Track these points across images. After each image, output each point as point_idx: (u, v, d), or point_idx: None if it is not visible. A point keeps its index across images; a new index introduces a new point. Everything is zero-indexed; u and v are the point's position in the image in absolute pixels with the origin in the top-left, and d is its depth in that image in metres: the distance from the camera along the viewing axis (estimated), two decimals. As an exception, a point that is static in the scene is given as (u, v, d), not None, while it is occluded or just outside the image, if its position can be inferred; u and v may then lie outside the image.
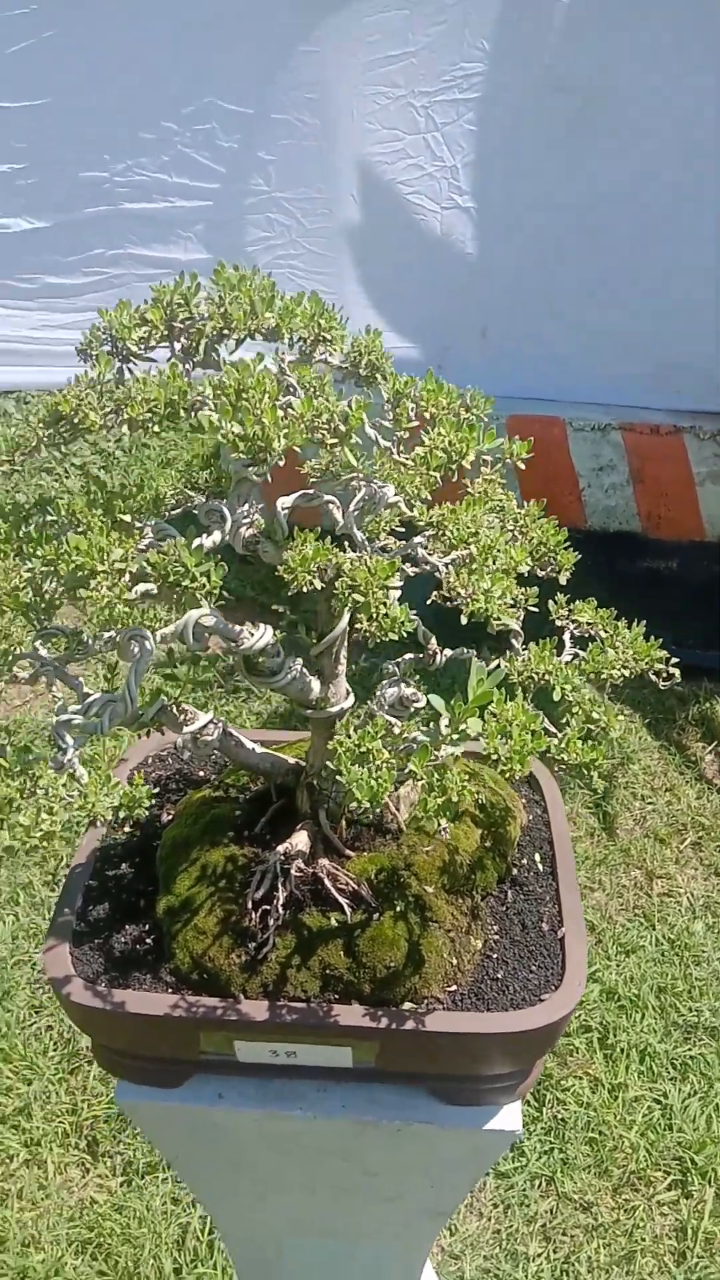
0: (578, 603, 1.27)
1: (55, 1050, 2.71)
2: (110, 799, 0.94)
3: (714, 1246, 2.41)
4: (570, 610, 1.26)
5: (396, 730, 1.10)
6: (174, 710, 1.22)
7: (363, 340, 1.03)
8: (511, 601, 1.00)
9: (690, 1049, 2.78)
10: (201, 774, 1.50)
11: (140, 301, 1.06)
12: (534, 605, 1.18)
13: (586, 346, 3.52)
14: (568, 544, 1.17)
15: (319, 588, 0.96)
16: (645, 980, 2.92)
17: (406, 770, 0.98)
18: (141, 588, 0.96)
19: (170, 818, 1.41)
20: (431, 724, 1.01)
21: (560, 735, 1.06)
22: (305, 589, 0.96)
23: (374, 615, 0.93)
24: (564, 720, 1.08)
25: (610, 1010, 2.83)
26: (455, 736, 0.99)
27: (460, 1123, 1.28)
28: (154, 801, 1.46)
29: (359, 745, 1.00)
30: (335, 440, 0.95)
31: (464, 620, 1.00)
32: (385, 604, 0.93)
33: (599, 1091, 2.68)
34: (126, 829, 1.42)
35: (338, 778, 0.97)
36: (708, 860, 3.27)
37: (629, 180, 3.36)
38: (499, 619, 0.98)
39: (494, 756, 0.99)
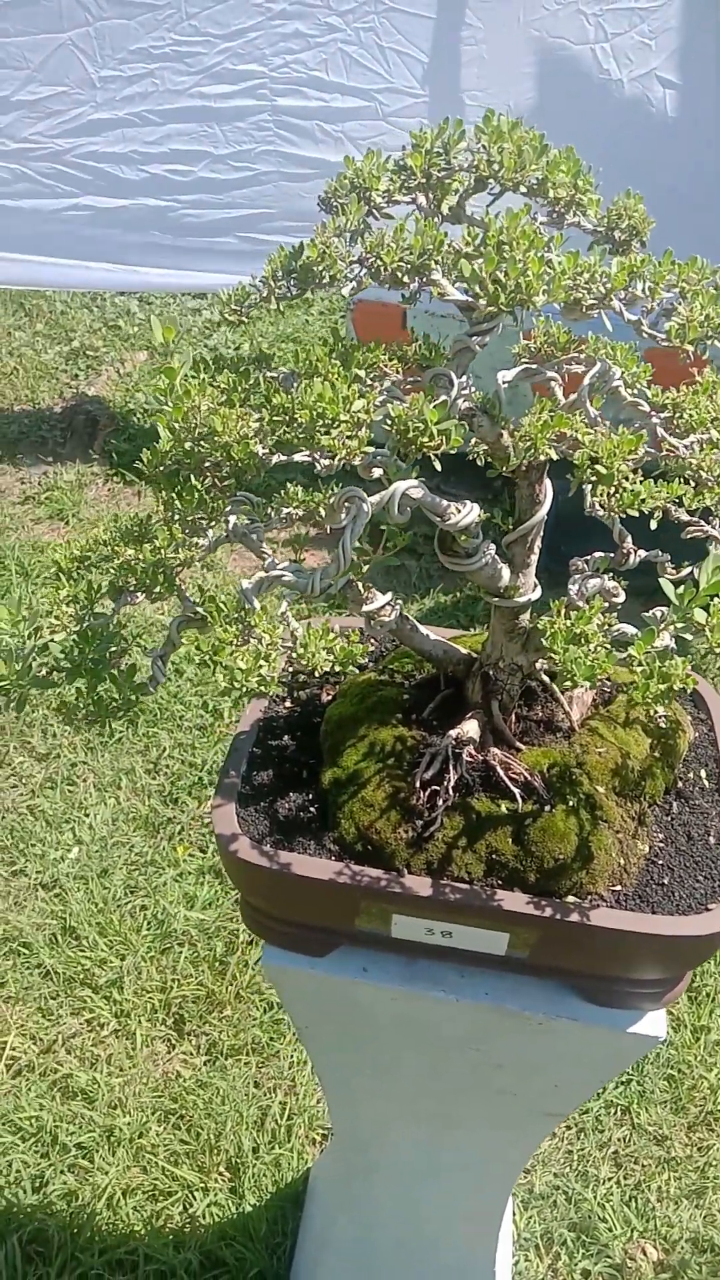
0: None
1: (148, 930, 2.78)
2: (328, 652, 0.93)
3: (785, 1192, 2.41)
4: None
5: (604, 615, 1.07)
6: (359, 587, 1.21)
7: (623, 202, 0.98)
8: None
9: (777, 998, 2.76)
10: (363, 661, 1.49)
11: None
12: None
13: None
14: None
15: (554, 459, 0.93)
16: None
17: (626, 655, 0.95)
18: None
19: (331, 698, 1.41)
20: (655, 610, 0.99)
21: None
22: (543, 458, 0.92)
23: (617, 489, 0.90)
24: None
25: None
26: (680, 623, 0.96)
27: (603, 1022, 1.27)
28: (315, 680, 1.46)
29: (574, 626, 0.97)
30: (594, 302, 0.91)
31: (708, 504, 0.97)
32: (628, 477, 0.90)
33: (681, 1031, 2.68)
34: (288, 703, 1.42)
35: (531, 685, 0.94)
36: None
37: None
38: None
39: (718, 650, 0.95)
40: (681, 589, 0.96)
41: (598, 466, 0.90)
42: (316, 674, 0.91)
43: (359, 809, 1.22)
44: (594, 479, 0.91)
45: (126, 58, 3.49)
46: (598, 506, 0.94)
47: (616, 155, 3.45)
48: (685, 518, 1.09)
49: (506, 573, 1.22)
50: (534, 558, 1.23)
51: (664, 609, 0.99)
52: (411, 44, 3.50)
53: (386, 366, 1.10)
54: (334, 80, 3.53)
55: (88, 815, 3.06)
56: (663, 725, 1.32)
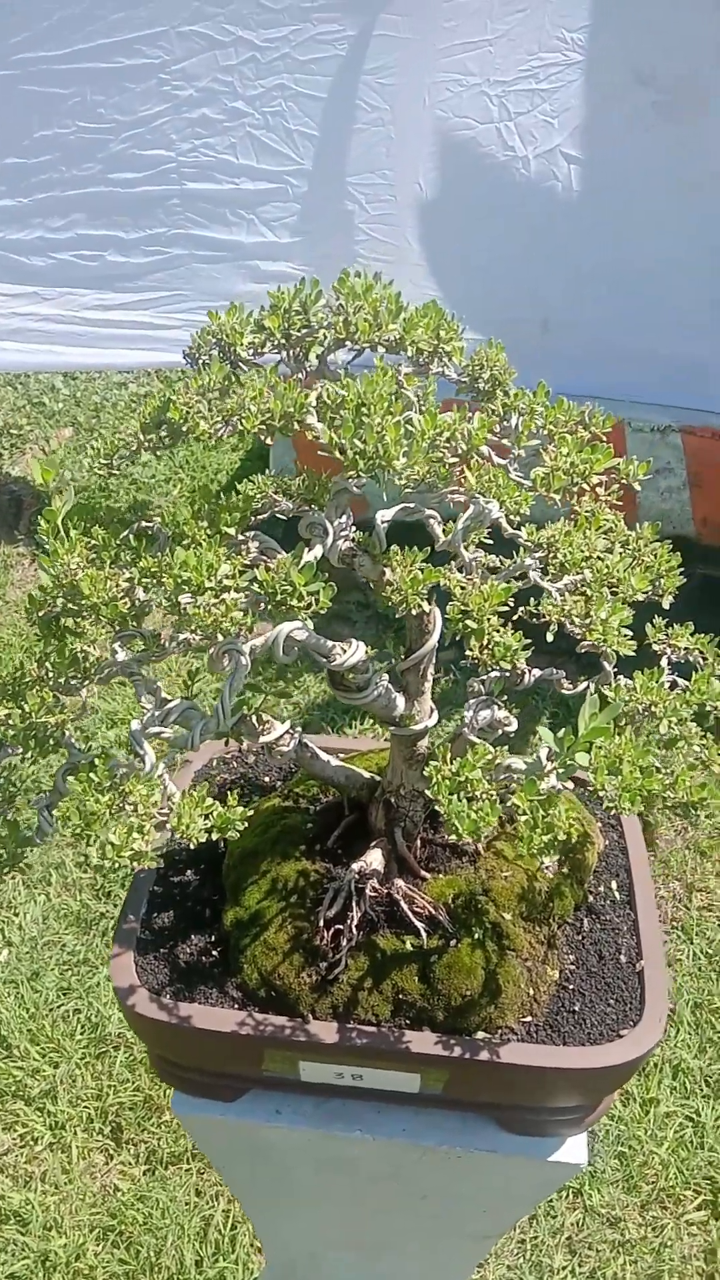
0: (675, 627, 1.23)
1: (82, 1034, 2.70)
2: (205, 819, 0.90)
3: (742, 1270, 2.38)
4: (668, 634, 1.22)
5: (490, 757, 1.06)
6: (253, 720, 1.19)
7: (484, 352, 0.98)
8: (630, 633, 0.96)
9: (723, 1067, 2.75)
10: (267, 779, 1.47)
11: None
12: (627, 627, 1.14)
13: (649, 346, 3.45)
14: (681, 569, 1.13)
15: (426, 610, 0.92)
16: (681, 995, 2.88)
17: (509, 803, 0.94)
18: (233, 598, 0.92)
19: (237, 824, 1.38)
20: (535, 755, 0.97)
21: (668, 771, 1.02)
22: (414, 611, 0.91)
23: (487, 643, 0.89)
24: (671, 756, 1.04)
25: (643, 1024, 2.79)
26: (560, 770, 0.95)
27: (523, 1152, 1.25)
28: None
29: (459, 774, 0.96)
30: (456, 459, 0.91)
31: (581, 650, 0.96)
32: (499, 631, 0.89)
33: (630, 1105, 2.65)
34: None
35: (436, 809, 0.93)
36: (746, 875, 3.22)
37: (710, 177, 3.27)
38: (617, 650, 0.94)
39: (601, 793, 0.95)
40: (561, 733, 0.95)
41: (468, 621, 0.89)
42: (193, 845, 0.89)
43: (261, 953, 1.19)
44: (467, 632, 0.90)
45: (30, 146, 3.49)
46: (474, 656, 0.93)
47: (523, 228, 3.52)
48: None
49: (401, 701, 1.21)
50: (428, 685, 1.22)
51: (550, 749, 0.98)
52: (319, 127, 3.55)
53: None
54: (243, 164, 3.56)
55: (17, 915, 2.98)
56: (572, 840, 1.31)
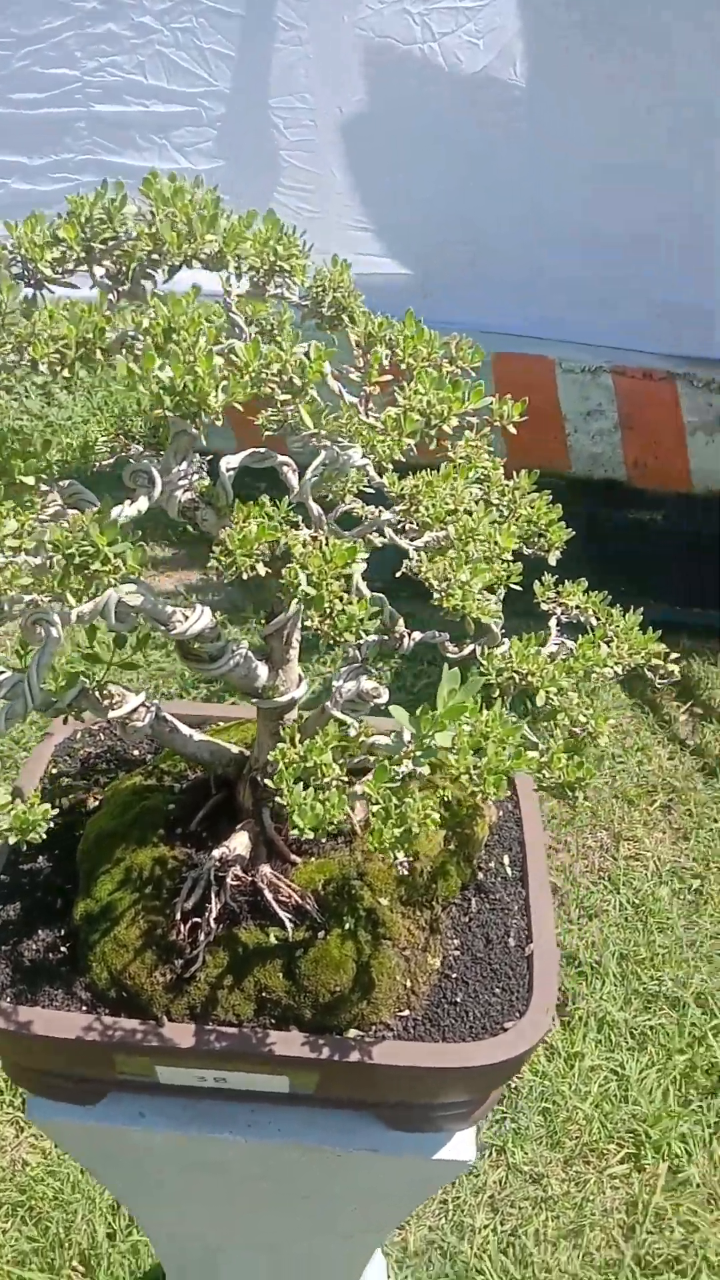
0: (566, 584, 1.12)
1: (-8, 1004, 2.59)
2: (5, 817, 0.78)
3: (664, 1222, 2.36)
4: (558, 593, 1.11)
5: (353, 732, 0.94)
6: (96, 694, 1.06)
7: (328, 273, 0.84)
8: (494, 598, 0.84)
9: (650, 1019, 2.72)
10: (137, 752, 1.35)
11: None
12: (517, 583, 1.02)
13: (581, 284, 3.30)
14: (562, 519, 1.01)
15: (263, 575, 0.80)
16: (607, 946, 2.84)
17: (360, 791, 0.83)
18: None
19: (97, 804, 1.26)
20: (394, 734, 0.86)
21: (542, 748, 0.91)
22: (246, 575, 0.79)
23: (328, 612, 0.77)
24: (547, 728, 0.93)
25: (570, 976, 2.75)
26: (419, 753, 0.84)
27: (407, 1150, 1.16)
28: (82, 783, 1.31)
29: (305, 758, 0.84)
30: (289, 396, 0.78)
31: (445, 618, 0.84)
32: (341, 598, 0.77)
33: (554, 1060, 2.61)
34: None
35: (277, 799, 0.81)
36: (676, 824, 3.18)
37: (638, 107, 3.10)
38: (477, 618, 0.82)
39: (464, 776, 0.84)
40: (418, 712, 0.84)
41: (306, 588, 0.77)
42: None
43: (111, 950, 1.07)
44: (305, 599, 0.78)
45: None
46: (314, 628, 0.81)
47: (450, 155, 3.34)
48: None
49: (264, 671, 1.08)
50: (293, 651, 1.10)
51: (409, 729, 0.87)
52: (232, 44, 3.32)
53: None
54: (153, 84, 3.33)
55: None
56: (460, 812, 1.21)
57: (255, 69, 3.32)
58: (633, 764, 3.27)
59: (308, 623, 0.79)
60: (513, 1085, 2.54)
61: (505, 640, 1.02)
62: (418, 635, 1.12)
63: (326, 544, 0.79)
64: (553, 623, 1.10)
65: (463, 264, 3.35)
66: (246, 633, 3.19)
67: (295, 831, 0.81)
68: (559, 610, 1.10)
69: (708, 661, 3.58)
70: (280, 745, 0.87)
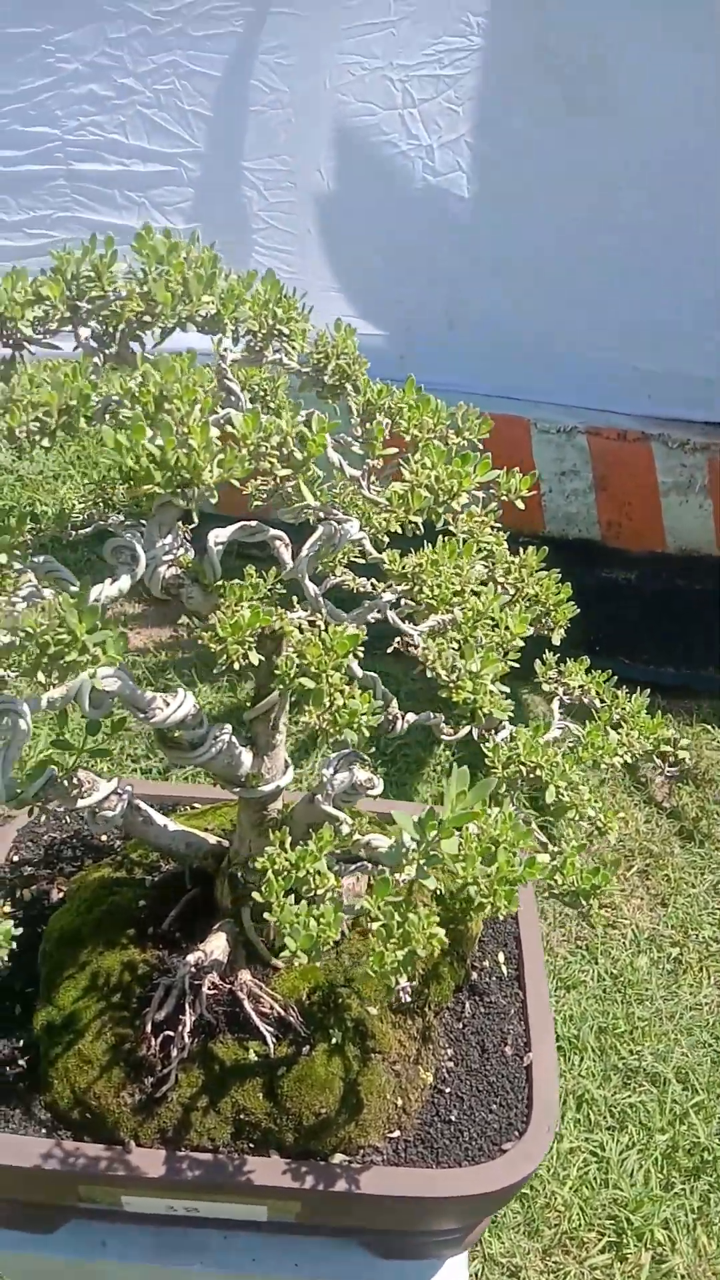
0: (568, 663, 1.05)
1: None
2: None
3: (647, 1319, 2.25)
4: (560, 673, 1.04)
5: (345, 829, 0.86)
6: (65, 783, 0.97)
7: (330, 338, 0.78)
8: (505, 691, 0.77)
9: (630, 1095, 2.62)
10: (105, 837, 1.25)
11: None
12: (515, 661, 0.95)
13: (555, 346, 3.29)
14: (570, 599, 0.94)
15: (255, 664, 0.72)
16: (585, 1019, 2.75)
17: (357, 906, 0.75)
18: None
19: (61, 896, 1.16)
20: (393, 840, 0.78)
21: (554, 852, 0.84)
22: (238, 664, 0.71)
23: (328, 705, 0.69)
24: (558, 827, 0.85)
25: (547, 1054, 2.65)
26: (423, 862, 0.76)
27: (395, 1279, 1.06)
28: (45, 872, 1.21)
29: (297, 866, 0.76)
30: (288, 470, 0.71)
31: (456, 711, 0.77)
32: (343, 691, 0.69)
33: (531, 1144, 2.50)
34: (7, 906, 1.17)
35: (265, 915, 0.73)
36: (654, 890, 3.10)
37: (616, 169, 3.13)
38: (488, 712, 0.75)
39: (472, 887, 0.76)
40: (420, 817, 0.76)
41: (303, 680, 0.69)
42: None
43: (75, 1066, 0.97)
44: (303, 692, 0.71)
45: None
46: (312, 723, 0.73)
47: (429, 221, 3.34)
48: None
49: (248, 758, 1.00)
50: (280, 736, 1.02)
51: (410, 837, 0.79)
52: (215, 107, 3.32)
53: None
54: (134, 144, 3.31)
55: None
56: (453, 905, 1.12)
57: (235, 130, 3.32)
58: (610, 838, 3.19)
59: (302, 717, 0.72)
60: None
61: (506, 723, 0.95)
62: (411, 717, 1.05)
63: (325, 630, 0.72)
64: (555, 704, 1.03)
65: (440, 326, 3.34)
66: (218, 690, 3.10)
67: (286, 953, 0.72)
68: (561, 691, 1.03)
69: (683, 721, 3.54)
70: (269, 850, 0.79)
